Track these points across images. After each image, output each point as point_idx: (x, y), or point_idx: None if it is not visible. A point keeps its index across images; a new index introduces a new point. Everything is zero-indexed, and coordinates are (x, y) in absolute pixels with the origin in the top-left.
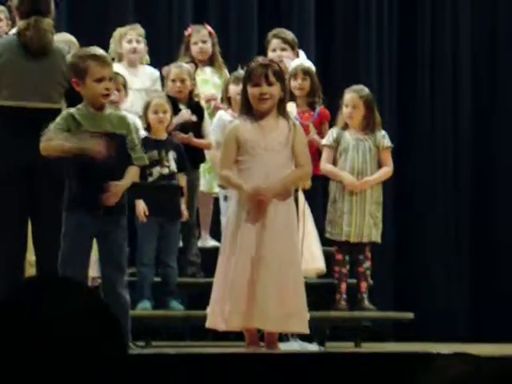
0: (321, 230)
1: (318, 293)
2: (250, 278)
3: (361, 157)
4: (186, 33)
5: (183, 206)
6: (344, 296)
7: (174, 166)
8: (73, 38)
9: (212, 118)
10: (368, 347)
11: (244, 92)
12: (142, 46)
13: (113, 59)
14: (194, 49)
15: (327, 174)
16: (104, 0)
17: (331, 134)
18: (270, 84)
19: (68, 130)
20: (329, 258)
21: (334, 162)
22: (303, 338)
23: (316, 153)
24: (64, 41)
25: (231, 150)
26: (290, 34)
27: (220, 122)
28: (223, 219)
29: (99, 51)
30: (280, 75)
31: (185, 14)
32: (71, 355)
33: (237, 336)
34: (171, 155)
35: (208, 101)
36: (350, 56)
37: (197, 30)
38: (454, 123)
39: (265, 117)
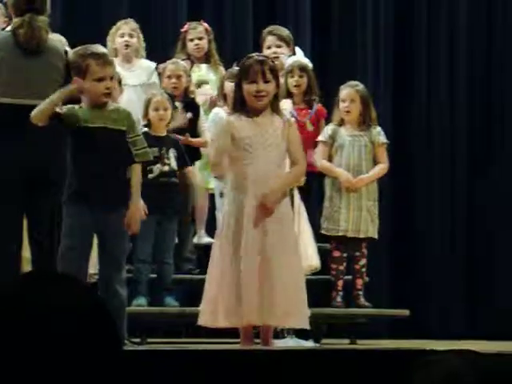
0: (316, 227)
1: (314, 290)
2: (254, 276)
3: (356, 153)
4: (183, 29)
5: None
6: (340, 293)
7: (174, 164)
8: (62, 39)
9: (207, 115)
10: (364, 344)
11: (238, 89)
12: (135, 41)
13: None
14: (190, 45)
15: (322, 170)
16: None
17: (326, 130)
18: (266, 81)
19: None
20: (325, 254)
21: (330, 159)
22: (299, 334)
23: (312, 149)
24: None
25: (225, 141)
26: (285, 31)
27: (216, 119)
28: (219, 215)
29: (100, 49)
30: (275, 72)
31: (180, 11)
32: (65, 351)
33: (232, 332)
34: (172, 153)
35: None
36: (345, 54)
37: (193, 26)
38: (451, 121)
39: (259, 114)
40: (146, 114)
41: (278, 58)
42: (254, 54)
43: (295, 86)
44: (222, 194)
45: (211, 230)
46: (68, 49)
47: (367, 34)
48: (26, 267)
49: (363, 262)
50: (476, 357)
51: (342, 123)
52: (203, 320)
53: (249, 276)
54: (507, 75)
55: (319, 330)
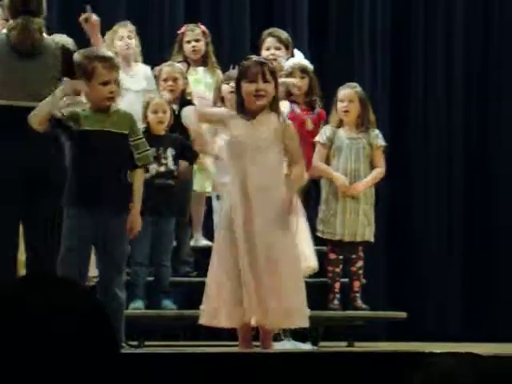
0: (312, 229)
1: (311, 292)
2: (253, 277)
3: (354, 156)
4: (180, 31)
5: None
6: (337, 296)
7: (171, 164)
8: (70, 40)
9: None
10: (361, 347)
11: (238, 89)
12: (134, 42)
13: None
14: (188, 48)
15: (319, 172)
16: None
17: (324, 131)
18: (265, 81)
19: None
20: (321, 257)
21: (327, 161)
22: (296, 337)
23: (310, 148)
24: (58, 41)
25: (216, 112)
26: (284, 34)
27: None
28: (216, 218)
29: (107, 53)
30: (274, 74)
31: (177, 14)
32: (63, 353)
33: (229, 335)
34: (169, 152)
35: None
36: (343, 56)
37: (191, 28)
38: (448, 119)
39: (257, 115)
40: (144, 117)
41: (275, 59)
42: (253, 56)
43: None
44: (218, 197)
45: (208, 232)
46: (72, 47)
47: (364, 35)
48: (22, 271)
49: (360, 264)
50: (474, 359)
51: (340, 125)
52: (204, 320)
53: (248, 276)
54: (504, 72)
55: (317, 332)
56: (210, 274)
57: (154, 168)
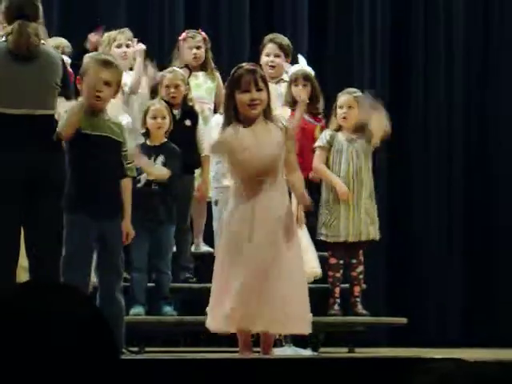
0: (313, 233)
1: (312, 298)
2: (259, 282)
3: (354, 157)
4: (180, 37)
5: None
6: (338, 301)
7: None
8: (66, 42)
9: (205, 124)
10: (362, 352)
11: (230, 99)
12: (132, 50)
13: None
14: (188, 54)
15: (320, 174)
16: (95, 5)
17: (324, 136)
18: (259, 89)
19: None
20: (322, 262)
21: (327, 164)
22: (297, 343)
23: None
24: (54, 45)
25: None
26: (285, 40)
27: (217, 125)
28: (215, 224)
29: (107, 57)
30: (265, 80)
31: (176, 20)
32: (63, 359)
33: (230, 341)
34: (159, 160)
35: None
36: (342, 58)
37: (191, 35)
38: (448, 123)
39: (253, 123)
40: (144, 123)
41: (274, 67)
42: (243, 64)
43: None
44: (216, 202)
45: (208, 238)
46: (65, 57)
47: (364, 36)
48: (23, 275)
49: (360, 269)
50: (470, 365)
51: (339, 129)
52: (211, 325)
53: (252, 282)
54: (504, 73)
55: (317, 338)
56: (215, 281)
57: (144, 177)
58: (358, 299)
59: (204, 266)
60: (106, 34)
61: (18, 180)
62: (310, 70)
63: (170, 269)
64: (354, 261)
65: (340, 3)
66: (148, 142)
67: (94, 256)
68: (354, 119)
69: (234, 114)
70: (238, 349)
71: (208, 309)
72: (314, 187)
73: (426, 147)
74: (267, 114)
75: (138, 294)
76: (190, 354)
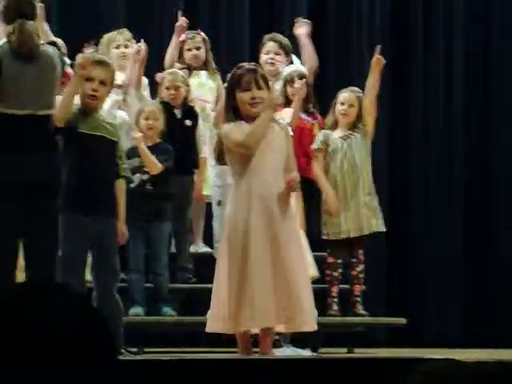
0: (312, 233)
1: None
2: (267, 282)
3: (349, 153)
4: (181, 39)
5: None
6: (336, 300)
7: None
8: (61, 42)
9: (206, 122)
10: (361, 353)
11: (230, 98)
12: (129, 51)
13: None
14: (188, 55)
15: (316, 179)
16: (95, 6)
17: (318, 137)
18: (259, 88)
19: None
20: (321, 263)
21: (326, 165)
22: (296, 343)
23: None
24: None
25: (242, 127)
26: (285, 39)
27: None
28: (216, 224)
29: (102, 56)
30: (266, 79)
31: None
32: (61, 361)
33: (229, 341)
34: None
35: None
36: (341, 56)
37: (191, 36)
38: (447, 123)
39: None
40: (137, 123)
41: (273, 64)
42: (244, 64)
43: (294, 94)
44: (219, 203)
45: (207, 239)
46: (63, 49)
47: (363, 36)
48: (20, 275)
49: (360, 268)
50: (466, 365)
51: (334, 127)
52: (212, 327)
53: (262, 280)
54: (504, 72)
55: (316, 338)
56: (217, 281)
57: (138, 177)
58: (359, 299)
59: (203, 266)
60: (105, 35)
61: (19, 180)
62: (304, 70)
63: (166, 269)
64: (354, 260)
65: (339, 2)
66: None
67: (89, 256)
68: (354, 117)
69: (234, 113)
70: (237, 349)
71: (210, 310)
72: (314, 189)
73: (425, 146)
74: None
75: (136, 295)
76: (189, 354)
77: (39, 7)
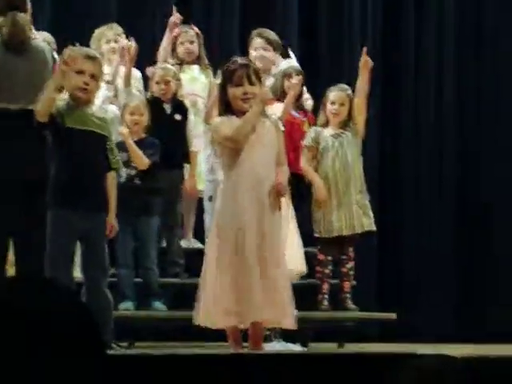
0: (304, 230)
1: (301, 294)
2: (252, 277)
3: (341, 151)
4: (174, 34)
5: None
6: (326, 296)
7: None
8: (50, 37)
9: (198, 117)
10: (351, 348)
11: (223, 93)
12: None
13: None
14: (181, 49)
15: (305, 173)
16: (87, 0)
17: (310, 134)
18: (251, 84)
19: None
20: (312, 258)
21: (317, 163)
22: (286, 338)
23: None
24: (42, 39)
25: (232, 122)
26: (273, 35)
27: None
28: (207, 219)
29: (91, 50)
30: (259, 75)
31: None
32: (49, 355)
33: (220, 336)
34: None
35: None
36: (332, 56)
37: (184, 30)
38: (438, 121)
39: None
40: (122, 118)
41: (262, 60)
42: (237, 58)
43: (289, 88)
44: (210, 198)
45: (198, 234)
46: (53, 45)
47: (354, 36)
48: (10, 270)
49: (350, 264)
50: (456, 361)
51: (326, 125)
52: (200, 320)
53: (251, 275)
54: (497, 70)
55: (306, 333)
56: (205, 273)
57: (125, 172)
58: (348, 295)
59: (195, 261)
60: (96, 30)
61: (10, 175)
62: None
63: (155, 264)
64: (344, 257)
65: (331, 1)
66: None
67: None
68: (345, 116)
69: (226, 108)
70: (227, 344)
71: (197, 304)
72: (303, 187)
73: (416, 144)
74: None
75: (126, 290)
76: (180, 349)
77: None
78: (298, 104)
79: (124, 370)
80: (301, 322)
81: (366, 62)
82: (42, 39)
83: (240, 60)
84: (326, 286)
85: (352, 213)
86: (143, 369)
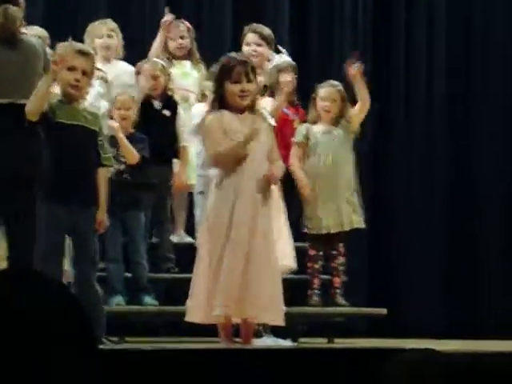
0: (294, 225)
1: (292, 289)
2: (242, 271)
3: (331, 148)
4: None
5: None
6: (316, 292)
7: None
8: (44, 32)
9: (188, 112)
10: (341, 343)
11: (219, 88)
12: (115, 41)
13: None
14: (173, 44)
15: (293, 173)
16: None
17: (300, 131)
18: (249, 81)
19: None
20: (302, 253)
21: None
22: (277, 333)
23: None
24: (35, 34)
25: (218, 134)
26: (266, 30)
27: (202, 113)
28: (198, 213)
29: (83, 46)
30: (255, 72)
31: (159, 9)
32: (39, 350)
33: (211, 331)
34: None
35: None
36: (323, 53)
37: (175, 25)
38: (428, 120)
39: (242, 113)
40: (110, 113)
41: (257, 56)
42: (234, 55)
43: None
44: (201, 193)
45: (189, 229)
46: (48, 49)
47: (346, 33)
48: (1, 264)
49: (341, 260)
50: (440, 355)
51: (316, 121)
52: (193, 317)
53: (232, 270)
54: (486, 68)
55: (296, 328)
56: (198, 268)
57: (115, 167)
58: (338, 290)
59: (186, 256)
60: (90, 25)
61: (1, 170)
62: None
63: (145, 259)
64: (335, 252)
65: None
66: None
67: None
68: (336, 112)
69: (221, 104)
70: (218, 339)
71: (189, 300)
72: (294, 180)
73: (408, 141)
74: (254, 105)
75: (116, 284)
76: (170, 344)
77: None
78: (290, 100)
79: (114, 365)
80: (291, 317)
81: (353, 76)
82: (35, 34)
83: (238, 56)
84: (316, 282)
85: (341, 210)
86: (134, 363)
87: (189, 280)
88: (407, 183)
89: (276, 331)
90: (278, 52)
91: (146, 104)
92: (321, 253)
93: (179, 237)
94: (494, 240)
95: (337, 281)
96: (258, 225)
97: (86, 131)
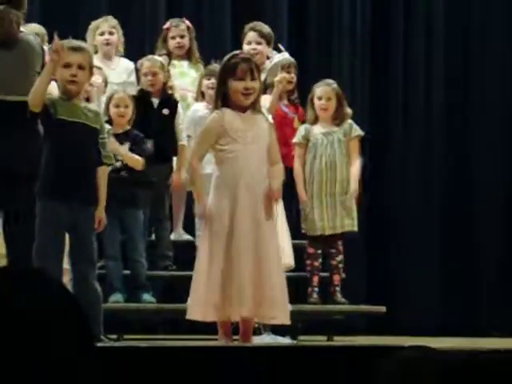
0: (293, 224)
1: (291, 286)
2: (248, 270)
3: (329, 150)
4: (165, 27)
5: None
6: (316, 289)
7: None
8: (42, 29)
9: (187, 111)
10: (340, 341)
11: (222, 86)
12: (115, 38)
13: None
14: (172, 43)
15: (294, 176)
16: None
17: (300, 131)
18: (253, 79)
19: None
20: (301, 251)
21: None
22: (276, 331)
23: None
24: (33, 32)
25: (208, 140)
26: (266, 28)
27: (195, 117)
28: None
29: (77, 42)
30: (259, 70)
31: (158, 6)
32: (36, 348)
33: (209, 329)
34: (125, 146)
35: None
36: (322, 64)
37: (175, 24)
38: (426, 130)
39: (245, 111)
40: (106, 110)
41: (257, 54)
42: (238, 52)
43: (290, 82)
44: None
45: (188, 227)
46: (45, 47)
47: (344, 43)
48: (1, 261)
49: (340, 258)
50: (435, 352)
51: (315, 121)
52: (193, 314)
53: (244, 271)
54: (484, 73)
55: (296, 326)
56: (198, 267)
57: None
58: (338, 288)
59: (184, 254)
60: (93, 22)
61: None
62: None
63: (143, 256)
64: (333, 250)
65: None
66: (111, 131)
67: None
68: (333, 110)
69: (224, 101)
70: (217, 336)
71: (190, 298)
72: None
73: (405, 138)
74: (256, 104)
75: (114, 282)
76: (169, 341)
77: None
78: (289, 98)
79: (113, 363)
80: (290, 314)
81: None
82: (32, 31)
83: (242, 54)
84: (315, 279)
85: (335, 213)
86: (132, 361)
87: (187, 278)
88: (405, 192)
89: (275, 329)
90: (278, 51)
91: (145, 102)
92: (319, 251)
93: (178, 235)
94: (492, 244)
95: (336, 278)
96: (260, 222)
97: (87, 129)
